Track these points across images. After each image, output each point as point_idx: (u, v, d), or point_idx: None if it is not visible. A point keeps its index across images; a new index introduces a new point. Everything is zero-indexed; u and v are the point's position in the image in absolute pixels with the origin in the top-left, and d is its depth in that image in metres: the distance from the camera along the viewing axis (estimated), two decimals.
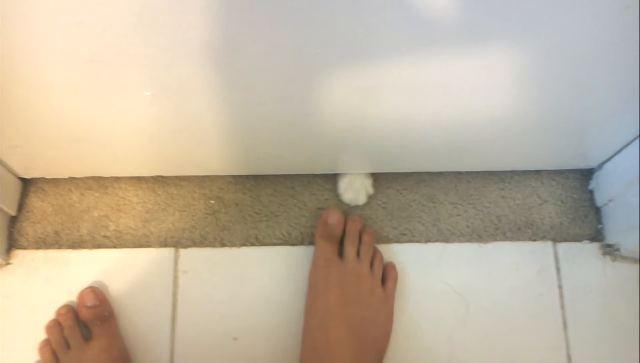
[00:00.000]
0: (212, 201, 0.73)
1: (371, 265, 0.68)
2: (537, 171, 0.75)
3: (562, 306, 0.69)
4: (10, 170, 0.71)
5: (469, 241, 0.72)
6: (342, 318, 0.63)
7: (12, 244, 0.72)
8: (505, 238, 0.72)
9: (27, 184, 0.74)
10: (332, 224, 0.69)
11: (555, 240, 0.72)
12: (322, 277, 0.66)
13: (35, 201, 0.73)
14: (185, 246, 0.71)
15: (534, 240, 0.72)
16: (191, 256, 0.71)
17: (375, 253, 0.69)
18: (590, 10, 0.45)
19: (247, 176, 0.75)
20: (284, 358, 0.68)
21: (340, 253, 0.69)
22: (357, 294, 0.65)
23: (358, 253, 0.68)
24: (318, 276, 0.67)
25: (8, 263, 0.71)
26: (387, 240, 0.72)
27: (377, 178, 0.75)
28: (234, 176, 0.75)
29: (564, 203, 0.73)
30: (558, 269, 0.71)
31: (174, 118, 0.59)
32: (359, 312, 0.64)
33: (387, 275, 0.69)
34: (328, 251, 0.68)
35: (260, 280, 0.70)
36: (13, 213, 0.72)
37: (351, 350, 0.62)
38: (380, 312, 0.66)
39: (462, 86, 0.54)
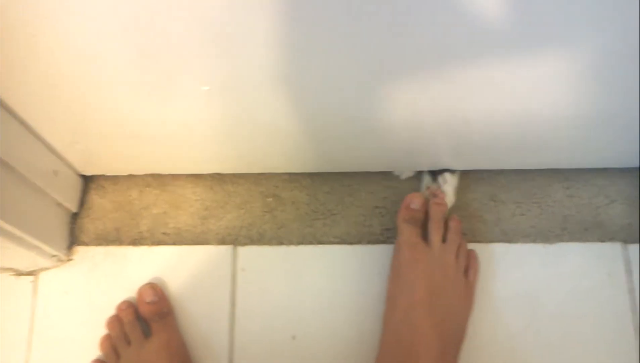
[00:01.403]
0: (269, 199, 0.73)
1: (456, 253, 0.66)
2: (604, 169, 0.72)
3: (633, 311, 0.66)
4: (70, 167, 0.72)
5: (533, 241, 0.69)
6: (427, 311, 0.61)
7: (73, 240, 0.73)
8: (572, 238, 0.69)
9: (87, 181, 0.75)
10: (415, 208, 0.67)
11: (625, 241, 0.69)
12: (408, 264, 0.64)
13: (96, 198, 0.74)
14: (243, 244, 0.71)
15: (603, 241, 0.69)
16: (249, 253, 0.71)
17: (460, 241, 0.67)
18: None
19: (303, 174, 0.74)
20: (341, 358, 0.67)
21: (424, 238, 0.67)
22: (442, 284, 0.63)
23: (443, 239, 0.66)
24: (403, 263, 0.65)
25: (69, 259, 0.72)
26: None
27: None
28: (289, 174, 0.74)
29: (633, 202, 0.70)
30: (629, 272, 0.68)
31: (230, 114, 0.59)
32: (444, 304, 0.62)
33: (469, 265, 0.66)
34: (413, 236, 0.66)
35: (318, 279, 0.70)
36: (74, 209, 0.73)
37: (436, 344, 0.60)
38: (462, 304, 0.64)
39: (526, 82, 0.52)
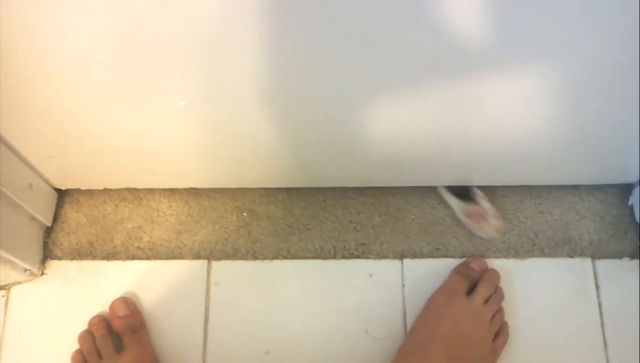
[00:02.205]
0: (244, 214, 0.73)
1: (492, 316, 0.66)
2: (575, 186, 0.74)
3: (602, 325, 0.67)
4: (45, 181, 0.72)
5: (505, 256, 0.70)
6: (446, 349, 0.61)
7: (47, 254, 0.72)
8: (542, 254, 0.70)
9: (62, 195, 0.75)
10: (474, 270, 0.68)
11: (594, 257, 0.70)
12: (442, 303, 0.65)
13: (70, 212, 0.74)
14: (218, 259, 0.71)
15: (572, 257, 0.70)
16: (223, 268, 0.71)
17: (499, 309, 0.67)
18: (628, 22, 0.44)
19: (280, 189, 0.75)
20: None
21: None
22: (468, 335, 0.63)
23: (486, 301, 0.66)
24: (438, 301, 0.66)
25: (43, 274, 0.71)
26: (421, 255, 0.71)
27: (411, 193, 0.74)
28: (266, 189, 0.75)
29: (603, 218, 0.72)
30: (597, 287, 0.69)
31: (208, 130, 0.59)
32: (464, 353, 0.62)
33: (500, 332, 0.66)
34: (459, 286, 0.67)
35: (292, 294, 0.70)
36: (48, 223, 0.73)
37: None
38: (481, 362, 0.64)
39: (496, 100, 0.54)
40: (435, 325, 0.63)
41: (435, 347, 0.61)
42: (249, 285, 0.70)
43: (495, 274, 0.68)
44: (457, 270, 0.69)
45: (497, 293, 0.67)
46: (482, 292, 0.66)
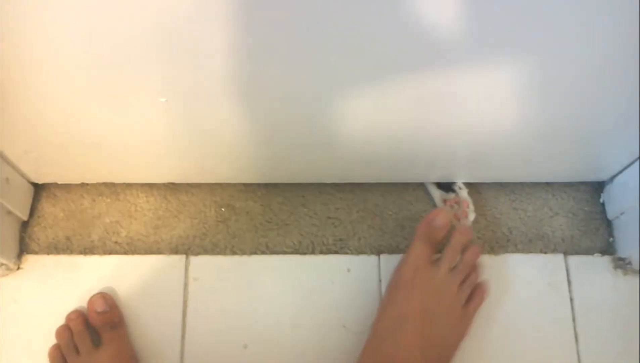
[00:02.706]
0: (223, 209, 0.73)
1: (462, 282, 0.65)
2: (549, 184, 0.75)
3: (574, 319, 0.69)
4: (22, 175, 0.71)
5: (480, 252, 0.71)
6: (416, 327, 0.60)
7: (24, 249, 0.72)
8: (516, 250, 0.72)
9: (39, 190, 0.75)
10: (437, 227, 0.65)
11: (566, 253, 0.72)
12: (409, 279, 0.63)
13: (47, 207, 0.74)
14: (196, 254, 0.71)
15: (545, 253, 0.72)
16: (202, 263, 0.71)
17: (471, 272, 0.66)
18: (601, 21, 0.45)
19: (258, 185, 0.75)
20: None
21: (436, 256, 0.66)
22: (437, 308, 0.62)
23: (454, 267, 0.65)
24: (403, 278, 0.64)
25: (19, 268, 0.71)
26: (398, 250, 0.72)
27: (388, 189, 0.75)
28: (245, 184, 0.75)
29: (575, 215, 0.73)
30: (569, 282, 0.71)
31: (187, 125, 0.60)
32: (434, 327, 0.62)
33: (472, 296, 0.65)
34: (423, 254, 0.64)
35: (270, 289, 0.70)
36: (25, 217, 0.72)
37: (417, 361, 0.60)
38: (453, 332, 0.63)
39: (470, 97, 0.54)
40: (405, 302, 0.62)
41: (407, 327, 0.61)
42: (227, 279, 0.70)
43: (461, 235, 0.66)
44: (420, 233, 0.66)
45: (465, 258, 0.65)
46: (446, 261, 0.64)
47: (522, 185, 0.75)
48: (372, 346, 0.63)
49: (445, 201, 0.73)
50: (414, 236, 0.67)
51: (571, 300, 0.70)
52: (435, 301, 0.63)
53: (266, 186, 0.75)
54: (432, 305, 0.62)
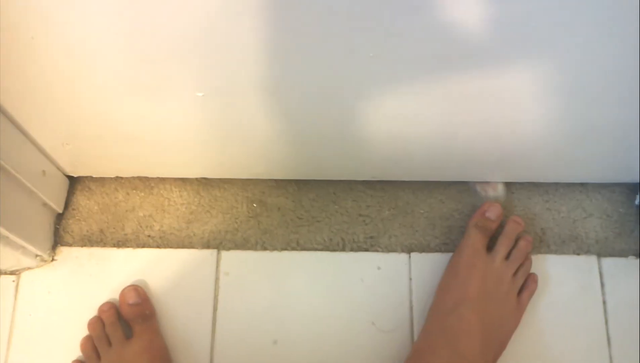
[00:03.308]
0: (254, 205, 0.74)
1: (516, 271, 0.67)
2: (583, 184, 0.74)
3: (606, 322, 0.68)
4: (58, 168, 0.72)
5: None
6: (477, 310, 0.62)
7: (58, 241, 0.73)
8: (549, 250, 0.71)
9: (74, 183, 0.76)
10: (490, 218, 0.69)
11: (600, 255, 0.71)
12: (465, 266, 0.66)
13: (82, 199, 0.75)
14: (227, 249, 0.72)
15: (579, 254, 0.71)
16: (233, 258, 0.72)
17: (524, 262, 0.68)
18: (637, 21, 0.44)
19: (290, 181, 0.75)
20: None
21: (489, 248, 0.68)
22: (494, 295, 0.65)
23: (508, 255, 0.67)
24: (461, 264, 0.66)
25: (53, 260, 0.72)
26: (429, 249, 0.72)
27: (420, 187, 0.75)
28: (276, 181, 0.75)
29: (609, 217, 0.72)
30: (602, 284, 0.70)
31: (222, 121, 0.60)
32: (492, 312, 0.64)
33: (525, 286, 0.67)
34: (478, 243, 0.67)
35: (300, 285, 0.71)
36: (60, 210, 0.73)
37: (479, 340, 0.61)
38: (509, 318, 0.65)
39: (505, 98, 0.54)
40: (464, 287, 0.64)
41: (468, 309, 0.62)
42: (258, 275, 0.71)
43: (515, 225, 0.69)
44: (475, 224, 0.69)
45: (519, 246, 0.68)
46: (501, 250, 0.67)
47: (556, 185, 0.74)
48: (431, 328, 0.64)
49: (480, 185, 0.74)
50: (467, 227, 0.70)
51: (604, 302, 0.69)
52: (492, 287, 0.64)
53: (297, 182, 0.75)
54: (490, 290, 0.64)
